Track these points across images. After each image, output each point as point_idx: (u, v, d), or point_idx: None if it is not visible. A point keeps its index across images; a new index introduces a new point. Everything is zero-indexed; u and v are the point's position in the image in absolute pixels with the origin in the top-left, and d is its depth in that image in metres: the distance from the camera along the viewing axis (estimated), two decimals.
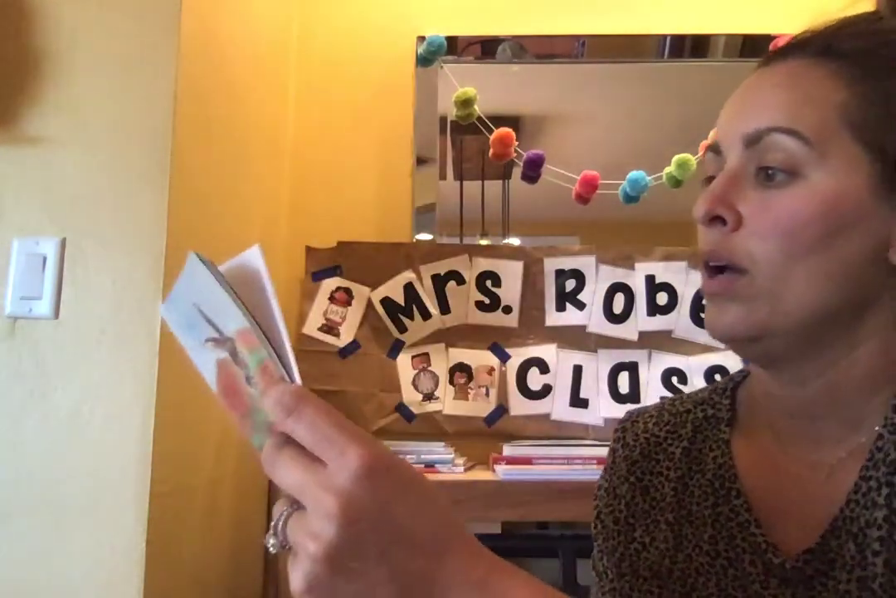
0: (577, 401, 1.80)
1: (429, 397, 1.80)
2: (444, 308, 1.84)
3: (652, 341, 1.82)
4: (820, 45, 0.59)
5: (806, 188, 0.55)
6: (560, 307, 1.84)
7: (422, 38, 1.96)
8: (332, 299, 1.84)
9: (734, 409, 0.68)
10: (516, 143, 1.91)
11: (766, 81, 0.60)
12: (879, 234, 0.55)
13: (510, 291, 1.85)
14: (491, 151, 1.91)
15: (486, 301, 1.85)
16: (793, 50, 0.60)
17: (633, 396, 1.79)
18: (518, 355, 1.83)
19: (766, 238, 0.56)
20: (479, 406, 1.80)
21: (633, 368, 1.81)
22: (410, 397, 1.80)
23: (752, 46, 1.96)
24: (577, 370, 1.81)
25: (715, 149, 0.61)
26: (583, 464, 1.50)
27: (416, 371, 1.82)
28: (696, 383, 1.78)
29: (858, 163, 0.55)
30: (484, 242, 1.94)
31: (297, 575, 0.40)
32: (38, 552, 1.08)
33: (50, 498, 1.10)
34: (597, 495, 0.72)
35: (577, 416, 1.79)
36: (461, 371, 1.82)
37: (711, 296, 0.60)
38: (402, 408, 1.79)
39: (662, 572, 0.63)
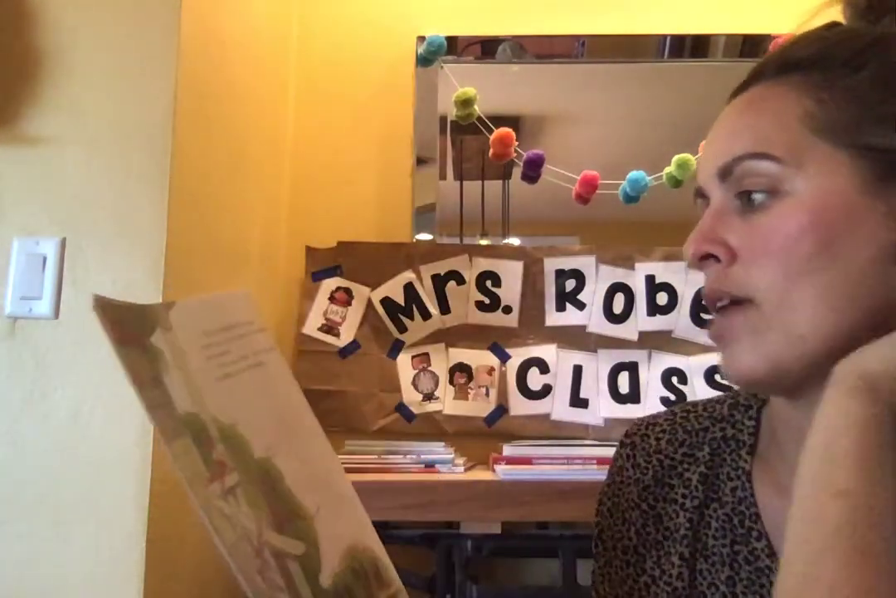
0: (577, 401, 1.80)
1: (429, 397, 1.80)
2: (444, 308, 1.84)
3: (652, 341, 1.82)
4: (776, 63, 0.58)
5: (789, 203, 0.53)
6: (560, 307, 1.84)
7: (422, 38, 1.96)
8: (332, 299, 1.84)
9: (758, 433, 0.62)
10: (516, 143, 1.91)
11: (730, 113, 0.59)
12: (880, 235, 0.52)
13: (510, 291, 1.85)
14: (491, 151, 1.91)
15: (486, 301, 1.85)
16: (753, 77, 0.59)
17: (633, 396, 1.79)
18: (518, 355, 1.83)
19: (762, 263, 0.53)
20: (479, 406, 1.80)
21: (633, 368, 1.81)
22: (410, 397, 1.80)
23: (752, 46, 1.96)
24: (577, 370, 1.81)
25: (699, 193, 0.60)
26: (583, 464, 1.49)
27: (416, 371, 1.82)
28: (696, 383, 1.78)
29: (838, 166, 0.53)
30: (484, 242, 1.94)
31: None
32: (38, 553, 1.08)
33: (50, 498, 1.10)
34: (599, 510, 0.68)
35: (577, 416, 1.79)
36: (461, 371, 1.82)
37: (719, 338, 0.57)
38: (402, 408, 1.79)
39: None
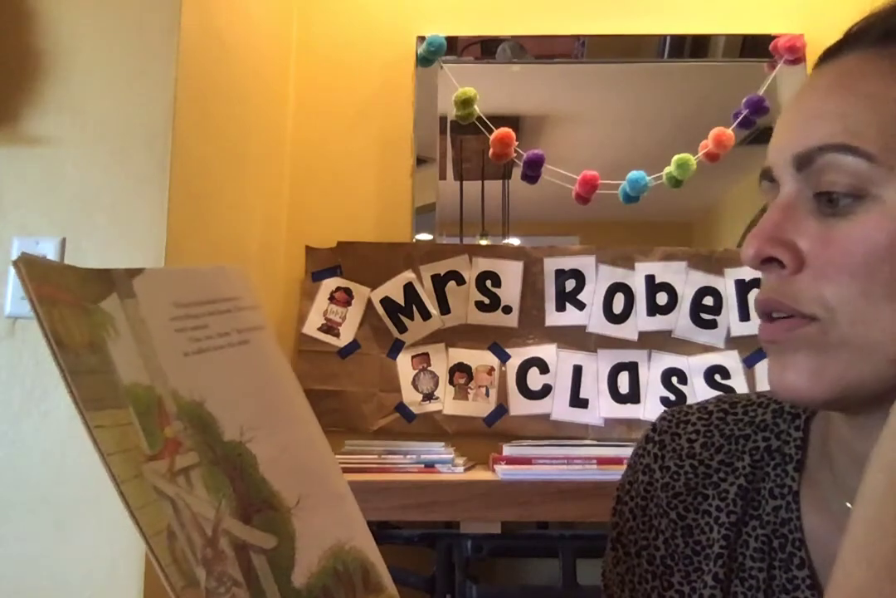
0: (577, 401, 1.80)
1: (429, 397, 1.80)
2: (444, 308, 1.84)
3: (652, 341, 1.82)
4: (879, 31, 0.47)
5: (878, 212, 0.44)
6: (560, 307, 1.84)
7: (422, 38, 1.96)
8: (332, 299, 1.84)
9: (806, 447, 0.56)
10: (516, 143, 1.91)
11: (816, 87, 0.49)
12: None
13: (510, 292, 1.85)
14: (491, 151, 1.91)
15: (486, 301, 1.85)
16: (847, 44, 0.49)
17: (633, 396, 1.79)
18: (518, 355, 1.83)
19: (838, 279, 0.45)
20: (479, 406, 1.80)
21: (632, 368, 1.81)
22: (410, 397, 1.80)
23: (752, 46, 1.96)
24: (577, 370, 1.81)
25: (767, 175, 0.50)
26: (583, 464, 1.49)
27: (416, 371, 1.82)
28: (696, 383, 1.78)
29: None
30: (484, 242, 1.94)
31: None
32: (38, 552, 1.08)
33: (50, 498, 1.10)
34: (617, 509, 0.62)
35: (577, 416, 1.79)
36: (461, 371, 1.82)
37: (770, 343, 0.48)
38: (402, 408, 1.79)
39: None
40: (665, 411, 0.63)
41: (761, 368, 1.78)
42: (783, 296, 0.47)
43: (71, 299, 0.38)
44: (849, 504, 0.50)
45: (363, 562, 0.44)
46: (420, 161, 1.96)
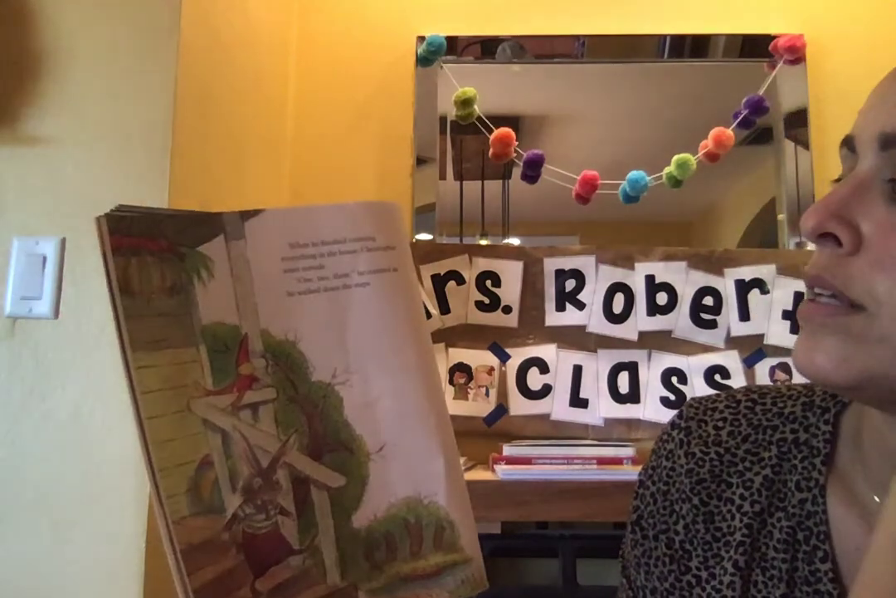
0: (577, 401, 1.80)
1: None
2: (444, 308, 1.84)
3: (652, 341, 1.82)
4: None
5: None
6: (560, 307, 1.84)
7: (422, 38, 1.96)
8: None
9: (834, 440, 0.55)
10: (516, 143, 1.91)
11: None
12: None
13: (510, 292, 1.85)
14: (491, 151, 1.91)
15: (486, 301, 1.85)
16: None
17: (633, 396, 1.79)
18: (518, 355, 1.83)
19: (892, 272, 0.43)
20: (478, 406, 1.80)
21: (632, 368, 1.81)
22: None
23: (752, 46, 1.95)
24: (577, 370, 1.81)
25: (849, 144, 0.48)
26: (583, 464, 1.50)
27: None
28: (696, 383, 1.78)
29: None
30: (484, 242, 1.94)
31: None
32: (37, 553, 1.08)
33: (50, 498, 1.10)
34: (639, 493, 0.62)
35: (577, 416, 1.79)
36: (461, 371, 1.82)
37: (808, 321, 0.47)
38: None
39: None
40: (692, 399, 0.63)
41: (761, 368, 1.78)
42: (834, 277, 0.46)
43: (159, 246, 0.40)
44: (877, 498, 0.50)
45: (440, 519, 0.44)
46: (420, 161, 1.96)
